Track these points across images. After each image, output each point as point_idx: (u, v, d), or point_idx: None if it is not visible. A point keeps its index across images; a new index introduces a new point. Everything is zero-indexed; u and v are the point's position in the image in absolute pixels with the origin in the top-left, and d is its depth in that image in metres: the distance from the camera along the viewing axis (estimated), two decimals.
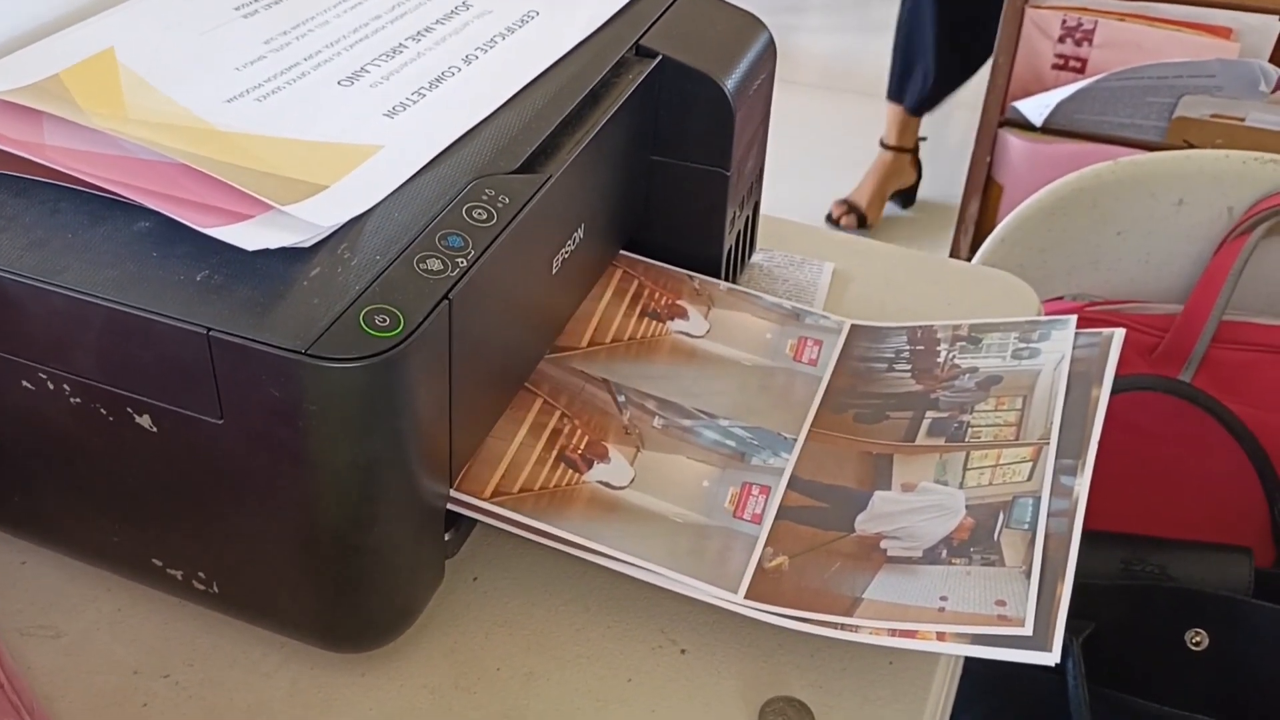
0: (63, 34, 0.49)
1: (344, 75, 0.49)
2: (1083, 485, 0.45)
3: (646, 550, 0.44)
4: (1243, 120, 1.33)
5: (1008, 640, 0.40)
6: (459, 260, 0.40)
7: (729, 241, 0.59)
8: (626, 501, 0.46)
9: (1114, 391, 0.49)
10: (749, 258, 0.65)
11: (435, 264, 0.39)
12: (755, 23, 0.59)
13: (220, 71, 0.47)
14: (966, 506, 0.46)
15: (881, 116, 1.99)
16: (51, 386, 0.41)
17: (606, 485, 0.47)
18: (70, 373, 0.40)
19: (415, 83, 0.49)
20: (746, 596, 0.43)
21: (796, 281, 0.64)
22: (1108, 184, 0.92)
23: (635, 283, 0.57)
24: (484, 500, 0.45)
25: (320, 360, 0.36)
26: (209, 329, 0.36)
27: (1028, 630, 0.40)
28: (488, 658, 0.45)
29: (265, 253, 0.38)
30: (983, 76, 1.47)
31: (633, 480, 0.47)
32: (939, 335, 0.56)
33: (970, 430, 0.50)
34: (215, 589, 0.43)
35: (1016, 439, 0.49)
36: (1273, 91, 1.36)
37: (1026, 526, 0.44)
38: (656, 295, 0.57)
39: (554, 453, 0.48)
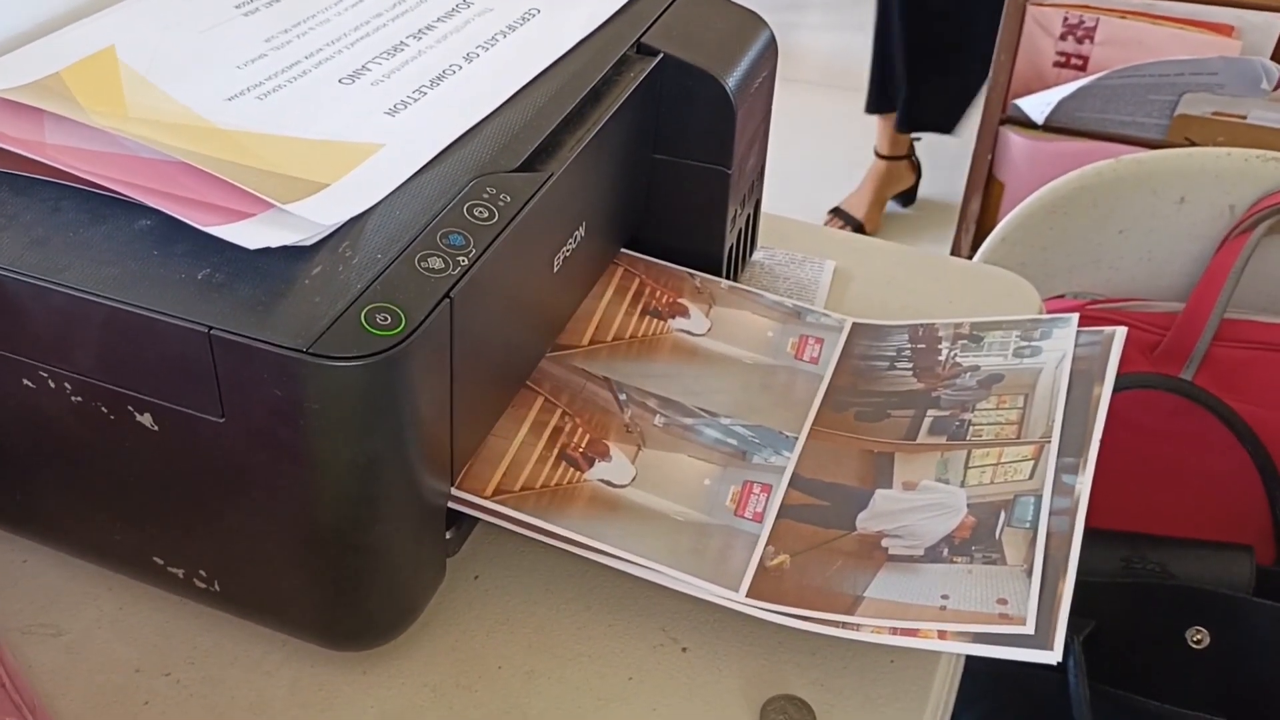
0: (63, 32, 0.49)
1: (345, 73, 0.49)
2: (1084, 484, 0.45)
3: (648, 549, 0.44)
4: (1244, 118, 1.33)
5: (1009, 639, 0.40)
6: (460, 259, 0.40)
7: (730, 239, 0.59)
8: (628, 500, 0.46)
9: (1115, 390, 0.49)
10: (750, 256, 0.65)
11: (436, 262, 0.39)
12: (756, 20, 0.59)
13: (221, 70, 0.47)
14: (968, 505, 0.46)
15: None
16: (53, 385, 0.41)
17: (608, 483, 0.47)
18: (71, 371, 0.40)
19: (416, 81, 0.49)
20: (748, 595, 0.43)
21: (798, 279, 0.64)
22: (1109, 182, 0.92)
23: (636, 281, 0.57)
24: (486, 499, 0.45)
25: (322, 359, 0.36)
26: (210, 328, 0.36)
27: (1029, 629, 0.40)
28: (489, 656, 0.45)
29: (266, 251, 0.38)
30: None
31: (634, 479, 0.47)
32: (940, 334, 0.56)
33: (972, 429, 0.50)
34: (216, 587, 0.43)
35: (1018, 437, 0.49)
36: (1275, 89, 1.35)
37: (1028, 525, 0.44)
38: (658, 294, 0.57)
39: (555, 451, 0.48)
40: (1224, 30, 1.46)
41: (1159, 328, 0.90)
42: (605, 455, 0.48)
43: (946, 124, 1.92)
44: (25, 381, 0.41)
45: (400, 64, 0.50)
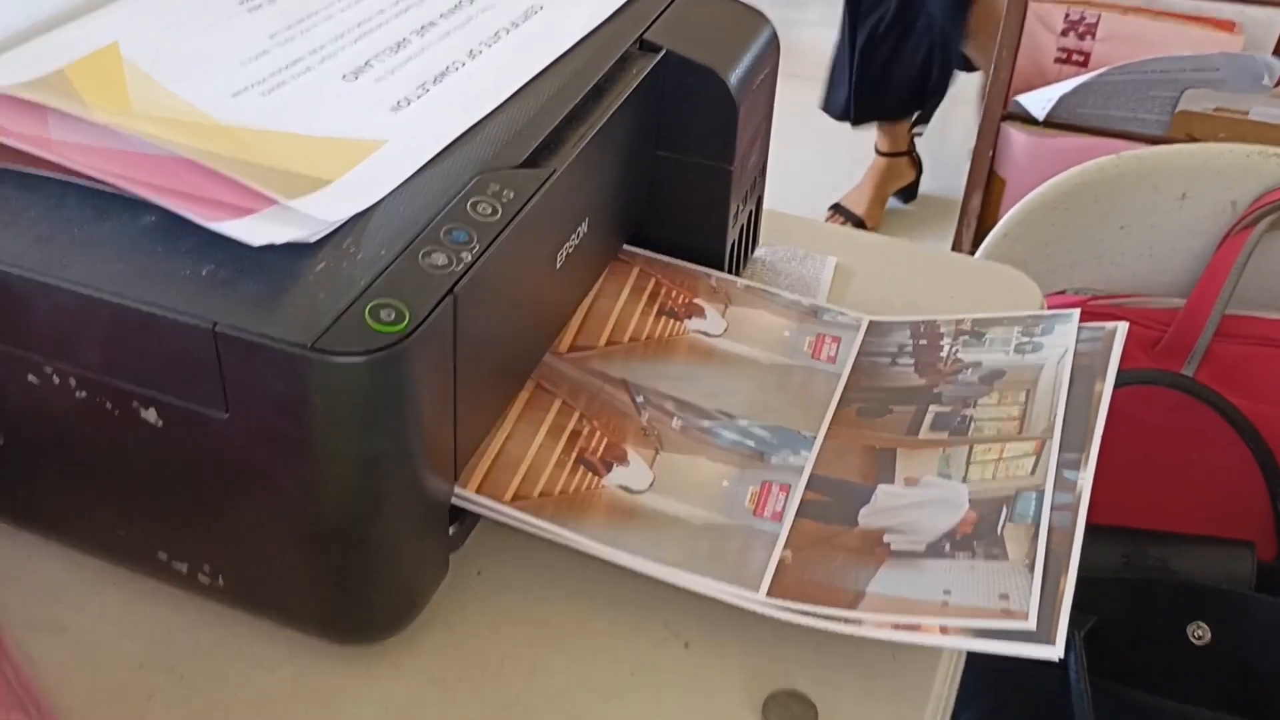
0: (67, 29, 0.49)
1: (348, 70, 0.49)
2: (1086, 479, 0.45)
3: (667, 556, 0.44)
4: (1246, 114, 1.33)
5: (1011, 634, 0.40)
6: (464, 255, 0.40)
7: (732, 236, 0.60)
8: (646, 506, 0.46)
9: (1116, 386, 0.49)
10: (752, 252, 0.65)
11: (440, 259, 0.40)
12: (759, 17, 0.59)
13: (225, 66, 0.48)
14: (969, 500, 0.46)
15: None
16: (57, 381, 0.41)
17: (626, 489, 0.47)
18: (76, 367, 0.40)
19: (419, 77, 0.49)
20: (769, 594, 0.43)
21: (799, 276, 0.64)
22: (1110, 178, 0.92)
23: (652, 281, 0.57)
24: (505, 504, 0.45)
25: (326, 355, 0.36)
26: (215, 324, 0.36)
27: (1031, 624, 0.40)
28: (492, 651, 0.45)
29: (270, 247, 0.38)
30: (986, 70, 1.47)
31: (652, 483, 0.47)
32: (942, 330, 0.56)
33: (973, 424, 0.50)
34: (221, 582, 0.43)
35: (1020, 433, 0.49)
36: (1276, 85, 1.35)
37: (1030, 520, 0.44)
38: (673, 293, 0.56)
39: (573, 455, 0.48)
40: (1226, 26, 1.46)
41: (1160, 324, 0.90)
42: (623, 460, 0.48)
43: (898, 112, 1.91)
44: (30, 378, 0.41)
45: (403, 60, 0.50)
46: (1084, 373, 0.51)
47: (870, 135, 2.00)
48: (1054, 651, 0.39)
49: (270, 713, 0.43)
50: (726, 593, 0.44)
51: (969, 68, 1.86)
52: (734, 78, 0.54)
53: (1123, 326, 0.52)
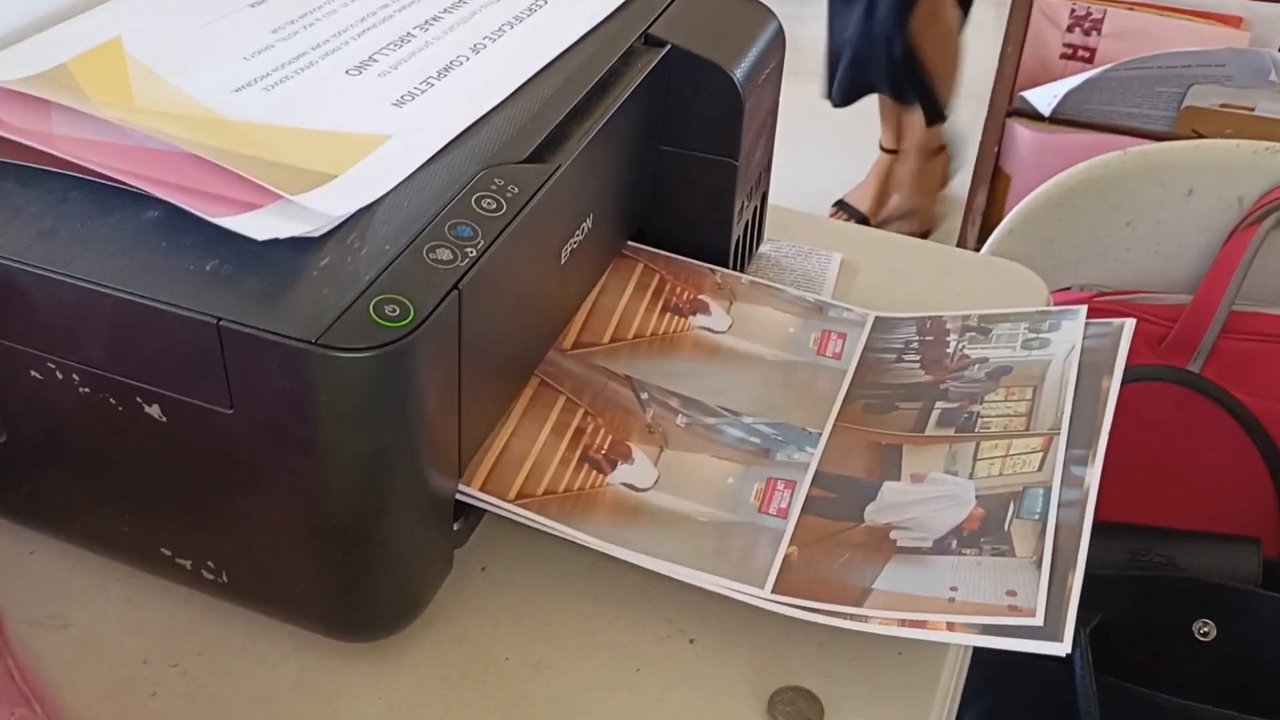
0: (69, 23, 0.49)
1: (352, 64, 0.48)
2: (1093, 475, 0.45)
3: (672, 553, 0.44)
4: (1252, 110, 1.32)
5: (1018, 630, 0.40)
6: (468, 250, 0.40)
7: (737, 231, 0.59)
8: (650, 504, 0.46)
9: (1123, 382, 0.49)
10: (757, 248, 0.65)
11: (445, 254, 0.39)
12: (764, 12, 0.58)
13: (228, 61, 0.47)
14: (976, 497, 0.46)
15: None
16: (60, 376, 0.41)
17: (630, 487, 0.47)
18: (79, 362, 0.40)
19: (423, 72, 0.49)
20: (774, 590, 0.43)
21: (804, 272, 0.64)
22: (1116, 174, 0.91)
23: (657, 277, 0.57)
24: (509, 502, 0.45)
25: (330, 350, 0.36)
26: (219, 319, 0.36)
27: (1038, 620, 0.40)
28: (496, 647, 0.45)
29: (275, 242, 0.38)
30: (990, 66, 1.47)
31: (656, 481, 0.47)
32: (948, 326, 0.56)
33: (980, 421, 0.50)
34: (224, 578, 0.43)
35: (1027, 429, 0.49)
36: None
37: (1037, 517, 0.44)
38: (678, 290, 0.56)
39: (577, 453, 0.48)
40: (1232, 22, 1.45)
41: (1166, 320, 0.90)
42: (627, 457, 0.48)
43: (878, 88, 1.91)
44: (33, 373, 0.41)
45: (407, 55, 0.50)
46: (1091, 369, 0.50)
47: (873, 132, 1.99)
48: (1061, 648, 0.39)
49: (274, 709, 0.42)
50: (732, 589, 0.44)
51: (917, 78, 1.83)
52: (739, 72, 0.54)
53: (1130, 323, 0.52)
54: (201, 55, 0.48)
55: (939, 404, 0.51)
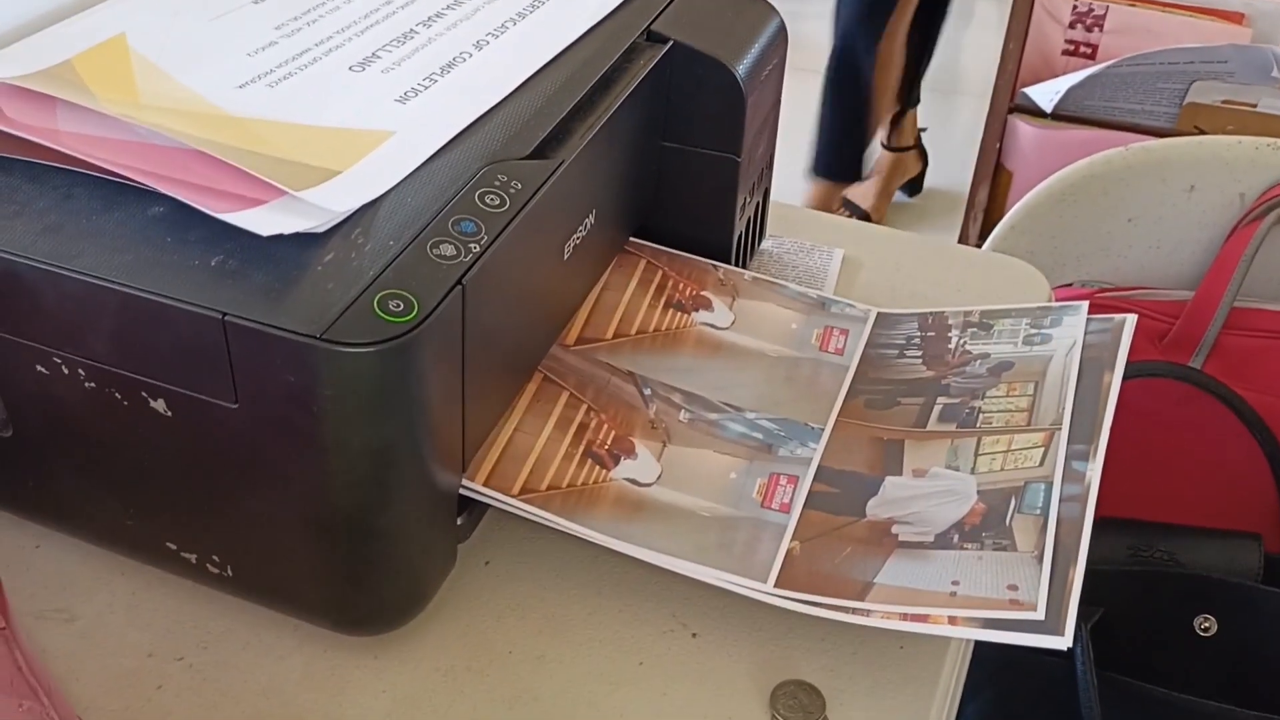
0: (74, 20, 0.49)
1: (355, 61, 0.49)
2: (1094, 471, 0.45)
3: (675, 548, 0.44)
4: (1254, 106, 1.32)
5: (1019, 625, 0.40)
6: (472, 246, 0.40)
7: (739, 228, 0.59)
8: (654, 499, 0.46)
9: (1124, 378, 0.49)
10: (759, 244, 0.65)
11: (448, 249, 0.40)
12: (767, 7, 0.59)
13: (232, 57, 0.48)
14: (978, 492, 0.46)
15: None
16: (66, 371, 0.41)
17: (633, 483, 0.47)
18: (85, 357, 0.40)
19: (427, 68, 0.49)
20: (776, 585, 0.44)
21: (806, 268, 0.64)
22: (1118, 170, 0.92)
23: (659, 273, 0.57)
24: (513, 497, 0.45)
25: (335, 345, 0.36)
26: (224, 314, 0.36)
27: (1040, 615, 0.40)
28: (499, 641, 0.45)
29: (279, 238, 0.38)
30: (992, 63, 1.47)
31: (659, 476, 0.47)
32: (950, 321, 0.56)
33: (982, 416, 0.50)
34: (229, 572, 0.43)
35: (1028, 425, 0.49)
36: None
37: (1038, 511, 0.44)
38: (681, 286, 0.56)
39: (581, 448, 0.48)
40: (1234, 18, 1.45)
41: (1168, 316, 0.90)
42: (630, 453, 0.48)
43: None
44: (39, 368, 0.41)
45: (410, 51, 0.50)
46: (1092, 364, 0.50)
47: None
48: (1062, 642, 0.39)
49: (278, 702, 0.43)
50: (734, 583, 0.44)
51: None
52: (742, 69, 0.54)
53: (1131, 318, 0.52)
54: (206, 51, 0.48)
55: (941, 399, 0.51)
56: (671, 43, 0.54)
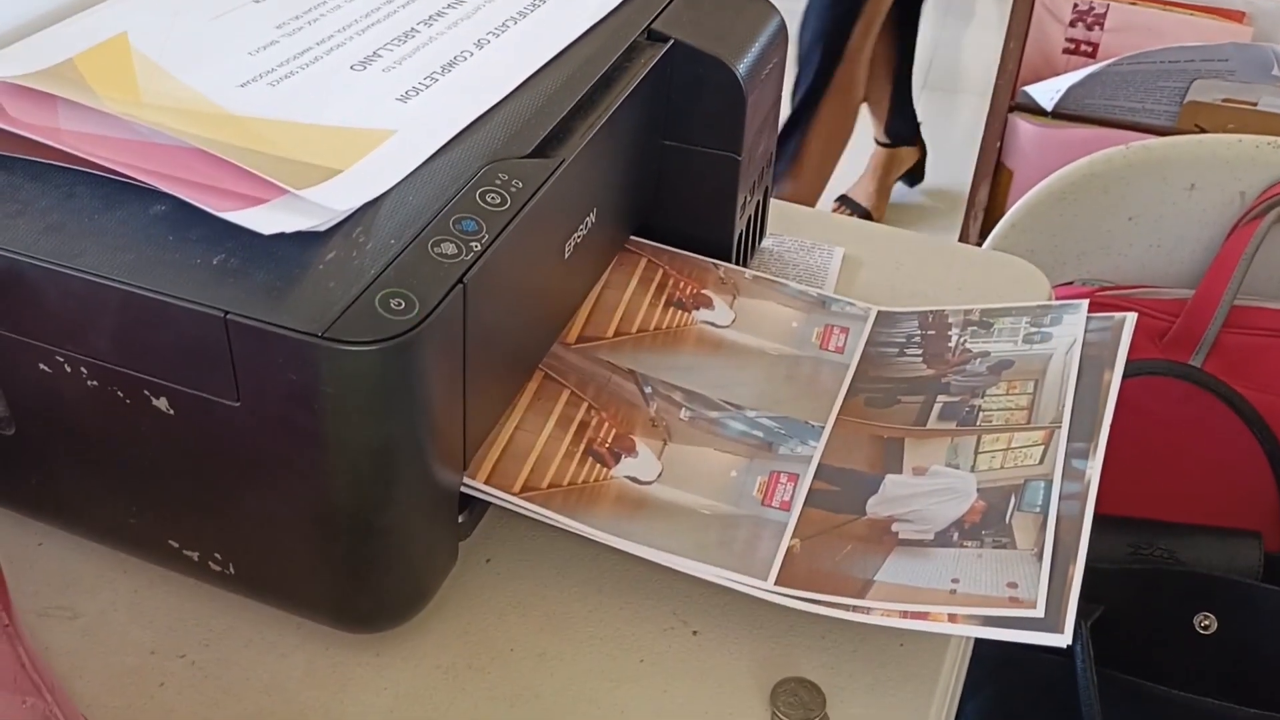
0: (76, 19, 0.49)
1: (356, 60, 0.49)
2: (1094, 469, 0.45)
3: (675, 545, 0.45)
4: (1255, 105, 1.32)
5: (1019, 622, 0.40)
6: (473, 244, 0.40)
7: (740, 226, 0.60)
8: (654, 497, 0.47)
9: (1124, 376, 0.49)
10: (759, 243, 0.65)
11: (449, 248, 0.40)
12: (767, 7, 0.59)
13: (233, 56, 0.48)
14: (978, 489, 0.46)
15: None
16: (69, 369, 0.41)
17: (634, 480, 0.47)
18: (87, 355, 0.40)
19: (428, 67, 0.49)
20: (777, 582, 0.44)
21: (807, 266, 0.64)
22: (1119, 169, 0.92)
23: (660, 272, 0.57)
24: (514, 495, 0.45)
25: (336, 343, 0.36)
26: (226, 312, 0.37)
27: (1039, 612, 0.40)
28: (501, 638, 0.45)
29: (281, 236, 0.39)
30: (993, 61, 1.47)
31: (660, 474, 0.48)
32: (950, 320, 0.56)
33: (982, 414, 0.50)
34: (231, 570, 0.44)
35: (1028, 423, 0.49)
36: None
37: (1038, 509, 0.44)
38: (681, 284, 0.57)
39: (582, 446, 0.48)
40: (1235, 16, 1.45)
41: (1168, 314, 0.90)
42: (631, 451, 0.48)
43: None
44: (42, 366, 0.41)
45: (412, 50, 0.50)
46: (1093, 363, 0.51)
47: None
48: (1062, 639, 0.39)
49: (280, 699, 0.43)
50: (735, 581, 0.44)
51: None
52: (743, 67, 0.54)
53: (1131, 317, 0.52)
54: (207, 51, 0.48)
55: (941, 398, 0.52)
56: (672, 41, 0.54)
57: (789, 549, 0.45)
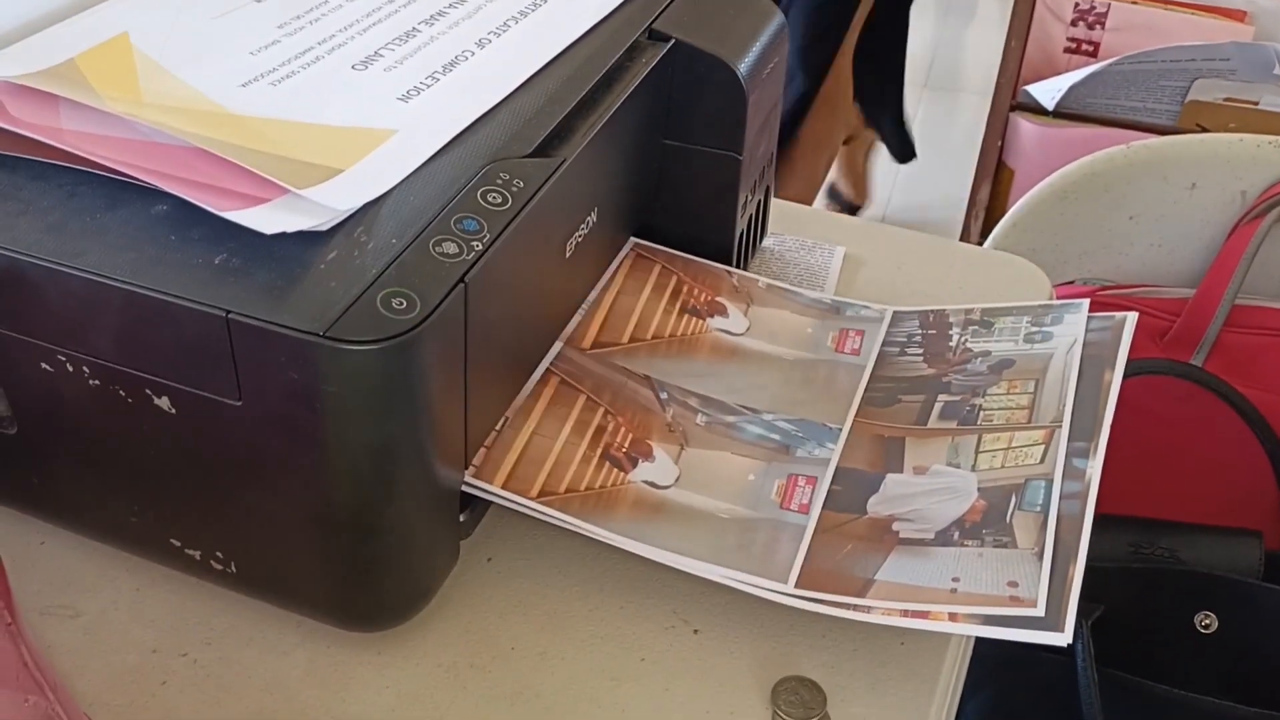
0: (77, 19, 0.49)
1: (358, 59, 0.49)
2: (1095, 468, 0.45)
3: (693, 549, 0.45)
4: (1256, 104, 1.32)
5: (1020, 621, 0.40)
6: (474, 244, 0.40)
7: (741, 226, 0.60)
8: (672, 502, 0.47)
9: (1125, 375, 0.49)
10: (760, 242, 0.65)
11: (451, 247, 0.40)
12: (768, 6, 0.59)
13: (234, 56, 0.48)
14: (978, 489, 0.46)
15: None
16: (71, 368, 0.41)
17: (652, 485, 0.47)
18: (89, 355, 0.40)
19: (429, 67, 0.49)
20: (797, 585, 0.44)
21: (807, 266, 0.64)
22: (1120, 168, 0.92)
23: (674, 279, 0.57)
24: (533, 500, 0.45)
25: (338, 343, 0.36)
26: (228, 312, 0.37)
27: (1040, 611, 0.40)
28: (502, 637, 0.45)
29: (282, 236, 0.39)
30: (994, 60, 1.47)
31: (678, 479, 0.47)
32: (951, 319, 0.56)
33: (982, 413, 0.50)
34: (233, 569, 0.44)
35: (1029, 422, 0.49)
36: None
37: (1038, 508, 0.44)
38: (695, 291, 0.56)
39: (598, 451, 0.48)
40: (1236, 16, 1.45)
41: (1169, 314, 0.90)
42: (648, 455, 0.48)
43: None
44: (44, 365, 0.41)
45: (413, 50, 0.50)
46: (1093, 362, 0.51)
47: None
48: (1062, 638, 0.39)
49: (282, 698, 0.43)
50: (755, 585, 0.44)
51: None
52: (744, 67, 0.54)
53: (1132, 316, 0.52)
54: (208, 50, 0.48)
55: (941, 397, 0.52)
56: (673, 41, 0.54)
57: (809, 552, 0.45)
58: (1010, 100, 1.45)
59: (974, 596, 0.42)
